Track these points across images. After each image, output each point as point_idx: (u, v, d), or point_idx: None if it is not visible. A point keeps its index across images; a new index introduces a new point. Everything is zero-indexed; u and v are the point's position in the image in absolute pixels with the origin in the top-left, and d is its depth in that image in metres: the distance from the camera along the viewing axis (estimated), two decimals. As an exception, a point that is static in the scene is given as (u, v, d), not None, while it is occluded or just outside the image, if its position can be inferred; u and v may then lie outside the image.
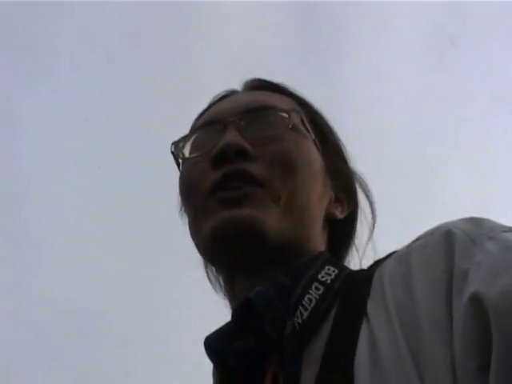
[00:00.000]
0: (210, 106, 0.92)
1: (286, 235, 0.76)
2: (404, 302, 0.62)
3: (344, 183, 0.87)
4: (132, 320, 2.76)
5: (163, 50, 2.98)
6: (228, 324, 0.73)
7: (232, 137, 0.78)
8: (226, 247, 0.75)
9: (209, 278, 0.92)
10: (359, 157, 0.92)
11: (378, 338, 0.61)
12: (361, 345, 0.61)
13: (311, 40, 2.95)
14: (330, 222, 0.85)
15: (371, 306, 0.65)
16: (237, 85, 0.95)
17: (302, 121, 0.84)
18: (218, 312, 0.91)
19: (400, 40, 2.90)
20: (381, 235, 0.89)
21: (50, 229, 2.94)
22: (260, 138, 0.80)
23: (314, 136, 0.84)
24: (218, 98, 0.93)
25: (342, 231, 0.87)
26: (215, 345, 0.72)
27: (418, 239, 0.69)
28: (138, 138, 2.88)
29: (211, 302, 0.92)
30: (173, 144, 0.87)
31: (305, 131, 0.83)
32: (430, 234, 0.67)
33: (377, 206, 0.90)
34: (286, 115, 0.82)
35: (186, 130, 0.91)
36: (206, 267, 0.92)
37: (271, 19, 2.92)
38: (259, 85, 0.92)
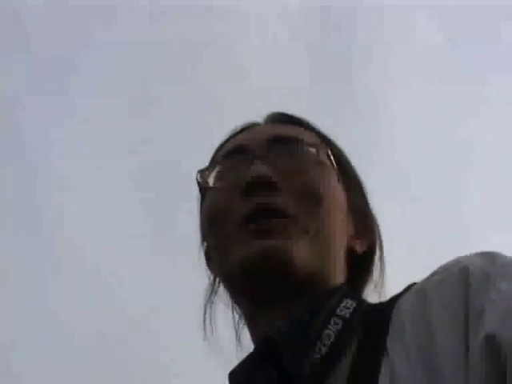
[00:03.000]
0: (230, 137, 0.92)
1: (312, 266, 0.76)
2: (424, 340, 0.63)
3: (363, 219, 0.88)
4: (132, 320, 2.77)
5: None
6: (250, 357, 0.74)
7: (261, 168, 0.79)
8: (254, 276, 0.76)
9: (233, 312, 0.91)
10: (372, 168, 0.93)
11: (399, 375, 0.61)
12: (381, 382, 0.62)
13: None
14: (350, 256, 0.85)
15: (391, 344, 0.65)
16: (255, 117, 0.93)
17: (328, 155, 0.84)
18: (218, 312, 0.91)
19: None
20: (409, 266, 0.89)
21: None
22: (287, 170, 0.80)
23: (337, 170, 0.85)
24: (239, 129, 0.92)
25: (360, 266, 0.87)
26: (239, 379, 0.72)
27: (434, 274, 0.69)
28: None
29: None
30: (198, 172, 0.87)
31: (330, 165, 0.84)
32: (446, 269, 0.68)
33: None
34: (313, 149, 0.83)
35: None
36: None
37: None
38: (282, 118, 0.92)
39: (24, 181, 3.02)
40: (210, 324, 0.91)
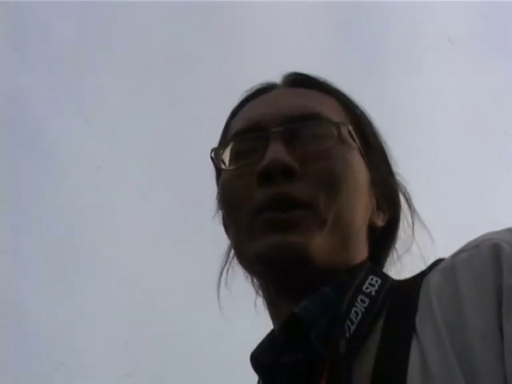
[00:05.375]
0: (244, 102, 0.87)
1: (332, 258, 0.75)
2: (453, 319, 0.62)
3: (386, 190, 0.85)
4: (131, 320, 2.77)
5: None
6: (270, 336, 0.73)
7: (277, 153, 0.75)
8: (273, 272, 0.75)
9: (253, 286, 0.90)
10: (408, 160, 0.90)
11: (429, 354, 0.61)
12: (412, 362, 0.61)
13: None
14: (372, 230, 0.83)
15: (419, 322, 0.65)
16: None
17: (349, 131, 0.80)
18: (217, 311, 0.91)
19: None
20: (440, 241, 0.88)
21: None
22: (307, 153, 0.77)
23: (359, 144, 0.81)
24: (253, 91, 0.88)
25: (382, 238, 0.85)
26: (262, 360, 0.72)
27: (462, 251, 0.68)
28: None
29: (211, 300, 0.92)
30: (212, 150, 0.84)
31: (351, 142, 0.80)
32: (475, 246, 0.66)
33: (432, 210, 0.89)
34: (334, 127, 0.79)
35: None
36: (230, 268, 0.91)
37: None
38: (300, 80, 0.87)
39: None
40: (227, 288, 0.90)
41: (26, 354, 2.81)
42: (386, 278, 0.76)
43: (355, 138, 0.81)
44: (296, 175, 0.75)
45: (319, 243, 0.73)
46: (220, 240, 0.92)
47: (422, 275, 0.72)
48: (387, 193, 0.85)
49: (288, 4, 2.86)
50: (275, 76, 0.90)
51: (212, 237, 0.92)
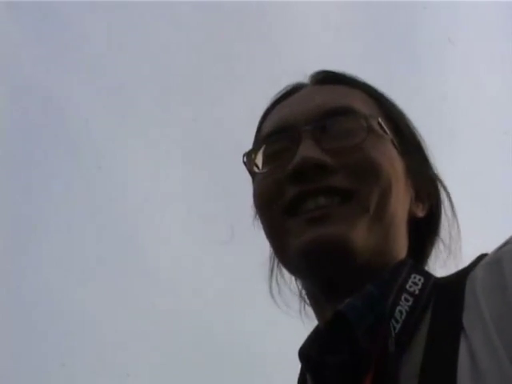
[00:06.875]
0: (275, 103, 0.86)
1: (374, 249, 0.73)
2: (502, 314, 0.61)
3: (423, 180, 0.83)
4: (131, 320, 2.77)
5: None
6: (317, 331, 0.72)
7: (309, 150, 0.74)
8: (315, 267, 0.73)
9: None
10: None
11: (477, 352, 0.60)
12: (461, 360, 0.60)
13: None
14: (412, 221, 0.81)
15: (467, 320, 0.64)
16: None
17: (379, 123, 0.79)
18: (216, 312, 0.90)
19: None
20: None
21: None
22: (339, 147, 0.75)
23: (391, 135, 0.80)
24: (283, 92, 0.87)
25: (424, 229, 0.83)
26: (310, 354, 0.71)
27: (506, 244, 0.67)
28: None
29: (211, 301, 0.92)
30: (244, 155, 0.83)
31: (382, 133, 0.78)
32: None
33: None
34: (363, 119, 0.77)
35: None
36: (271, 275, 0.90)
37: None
38: (328, 78, 0.86)
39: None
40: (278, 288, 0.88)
41: (27, 354, 2.81)
42: (428, 276, 0.75)
43: (386, 129, 0.79)
44: (329, 170, 0.74)
45: (361, 233, 0.72)
46: (220, 240, 0.91)
47: (465, 272, 0.70)
48: (424, 182, 0.83)
49: (298, 4, 2.86)
50: (302, 76, 0.90)
51: (219, 237, 0.90)
